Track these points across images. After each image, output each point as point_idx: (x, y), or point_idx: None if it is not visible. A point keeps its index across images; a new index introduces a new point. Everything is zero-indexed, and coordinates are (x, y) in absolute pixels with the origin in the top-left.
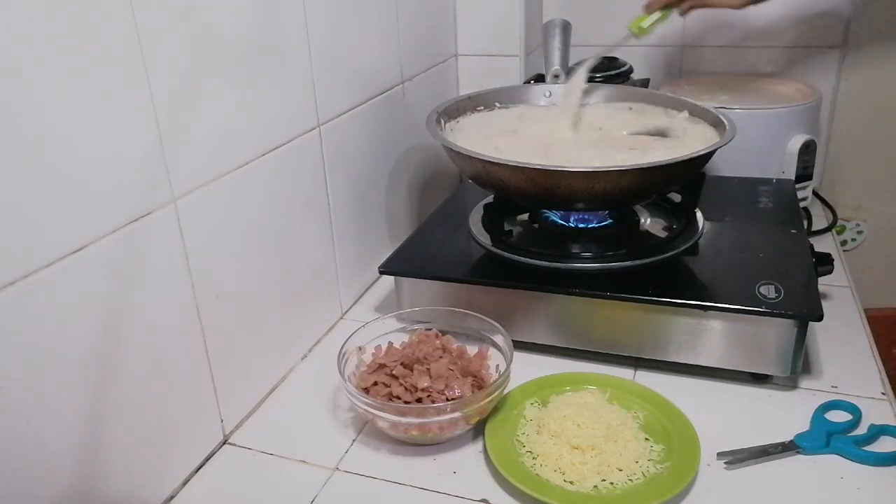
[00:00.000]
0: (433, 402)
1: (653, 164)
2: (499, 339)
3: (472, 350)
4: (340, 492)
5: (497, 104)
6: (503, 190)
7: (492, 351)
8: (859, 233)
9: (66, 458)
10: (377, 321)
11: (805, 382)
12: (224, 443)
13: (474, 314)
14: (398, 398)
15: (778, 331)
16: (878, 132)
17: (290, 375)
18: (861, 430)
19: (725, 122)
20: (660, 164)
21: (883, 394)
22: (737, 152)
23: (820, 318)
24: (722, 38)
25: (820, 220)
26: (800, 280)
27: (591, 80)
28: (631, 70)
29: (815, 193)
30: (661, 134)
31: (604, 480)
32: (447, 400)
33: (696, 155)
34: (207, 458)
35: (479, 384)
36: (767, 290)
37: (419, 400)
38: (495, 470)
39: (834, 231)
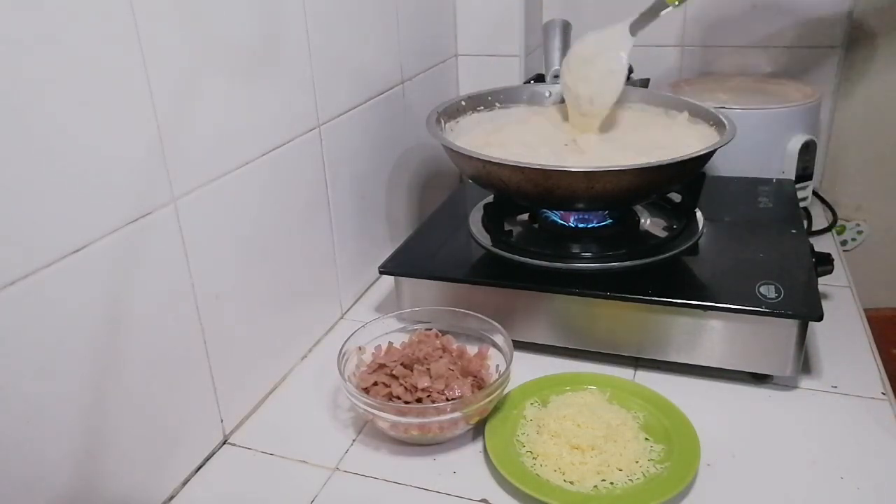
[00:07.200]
0: (433, 402)
1: (653, 164)
2: (499, 339)
3: (472, 350)
4: (340, 492)
5: (497, 104)
6: (503, 190)
7: (492, 351)
8: (859, 233)
9: (66, 458)
10: (377, 321)
11: (805, 382)
12: (224, 443)
13: (474, 314)
14: (398, 398)
15: (778, 331)
16: (878, 132)
17: (290, 375)
18: None
19: (725, 122)
20: (660, 164)
21: (883, 394)
22: (737, 152)
23: (820, 318)
24: (722, 38)
25: (820, 220)
26: (800, 280)
27: None
28: (631, 70)
29: (815, 193)
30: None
31: (604, 480)
32: (447, 400)
33: (696, 155)
34: (207, 458)
35: (479, 384)
36: (767, 290)
37: (419, 400)
38: (495, 470)
39: (834, 231)
